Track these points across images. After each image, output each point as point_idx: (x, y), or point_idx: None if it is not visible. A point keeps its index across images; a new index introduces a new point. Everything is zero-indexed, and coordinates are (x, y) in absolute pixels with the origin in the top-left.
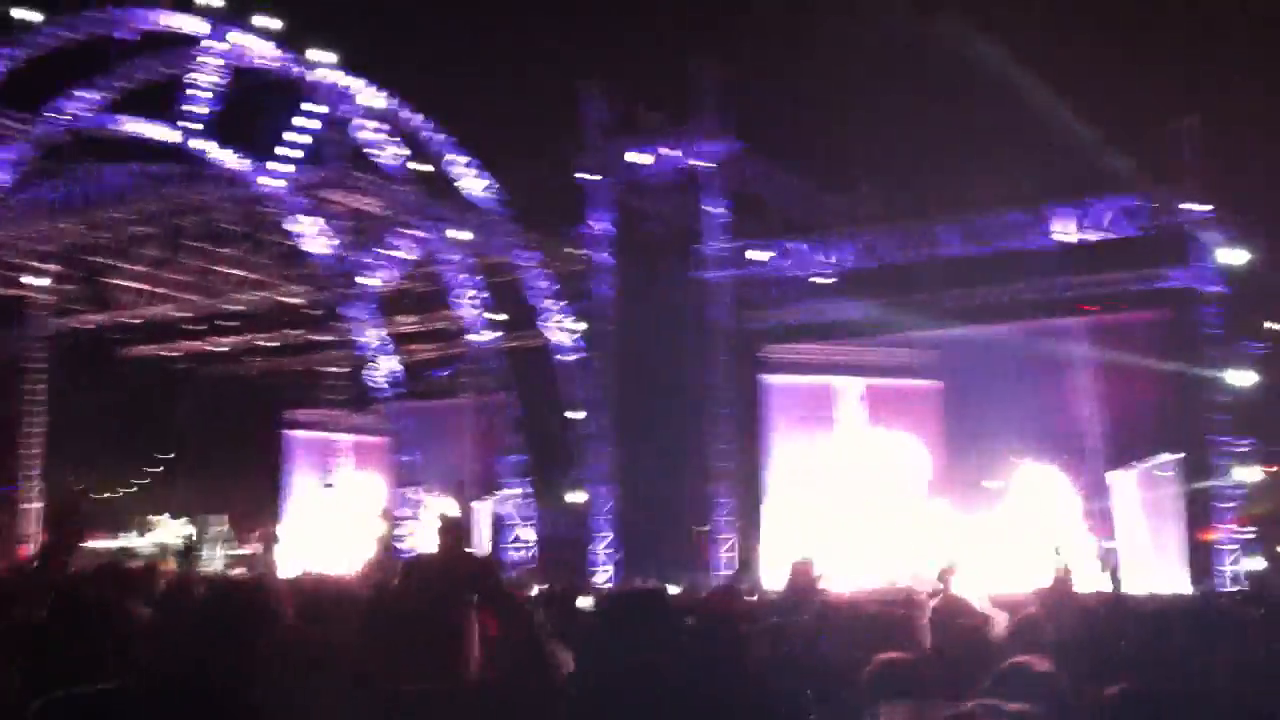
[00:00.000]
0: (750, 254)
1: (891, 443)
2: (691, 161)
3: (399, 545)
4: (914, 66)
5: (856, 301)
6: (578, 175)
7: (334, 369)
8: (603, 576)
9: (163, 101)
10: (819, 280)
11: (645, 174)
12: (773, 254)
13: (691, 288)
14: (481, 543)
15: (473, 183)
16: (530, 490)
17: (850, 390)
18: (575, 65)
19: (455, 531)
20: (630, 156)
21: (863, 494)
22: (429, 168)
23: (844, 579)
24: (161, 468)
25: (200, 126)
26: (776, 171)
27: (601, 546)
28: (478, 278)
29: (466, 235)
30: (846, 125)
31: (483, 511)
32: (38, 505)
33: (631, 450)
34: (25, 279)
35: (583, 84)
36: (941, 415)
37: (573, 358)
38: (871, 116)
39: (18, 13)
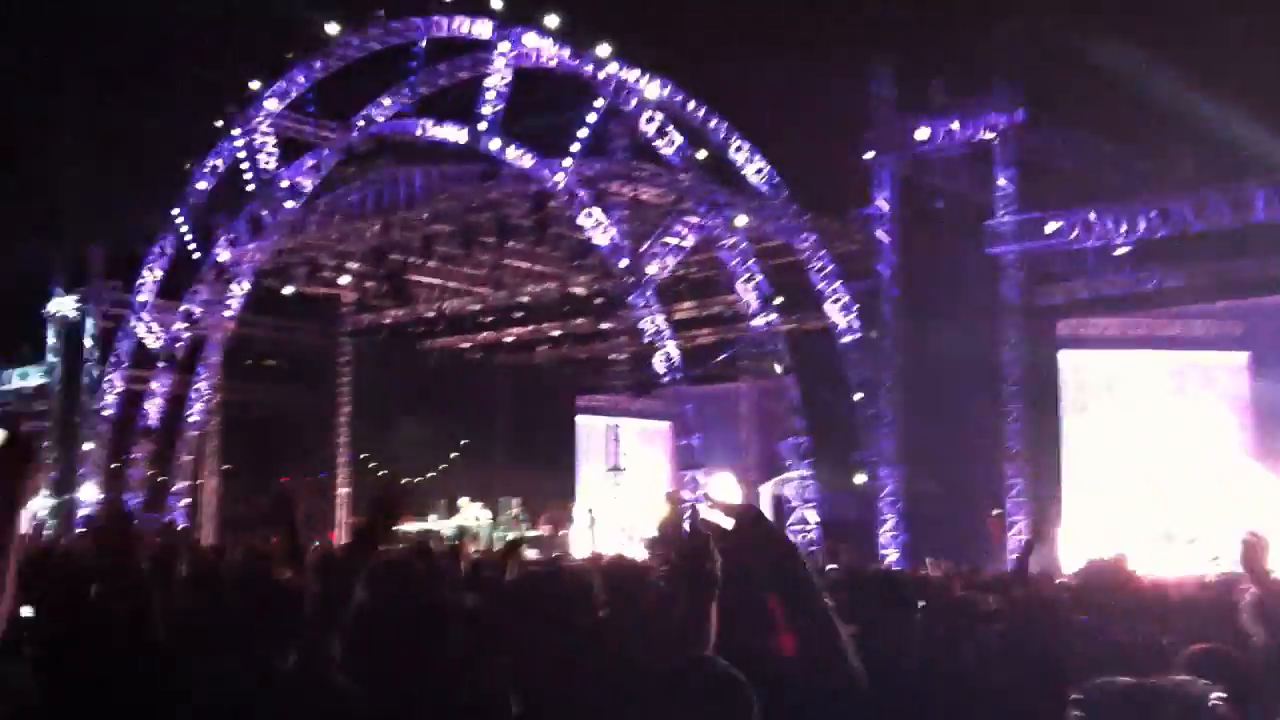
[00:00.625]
0: (1043, 226)
1: (1197, 417)
2: (981, 133)
3: (684, 528)
4: (1219, 18)
5: (1157, 271)
6: (863, 153)
7: (619, 355)
8: (889, 559)
9: (456, 104)
10: (1117, 251)
11: (932, 149)
12: (1066, 225)
13: (980, 263)
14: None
15: (752, 167)
16: (813, 473)
17: (1150, 364)
18: (859, 41)
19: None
20: (917, 132)
21: (1168, 471)
22: (709, 154)
23: (1153, 561)
24: (460, 453)
25: (487, 126)
26: (1072, 139)
27: (887, 529)
28: (758, 262)
29: (746, 219)
30: (1148, 85)
31: (765, 494)
32: (346, 491)
33: (918, 431)
34: (334, 278)
35: (868, 60)
36: (1250, 388)
37: (856, 338)
38: (1175, 74)
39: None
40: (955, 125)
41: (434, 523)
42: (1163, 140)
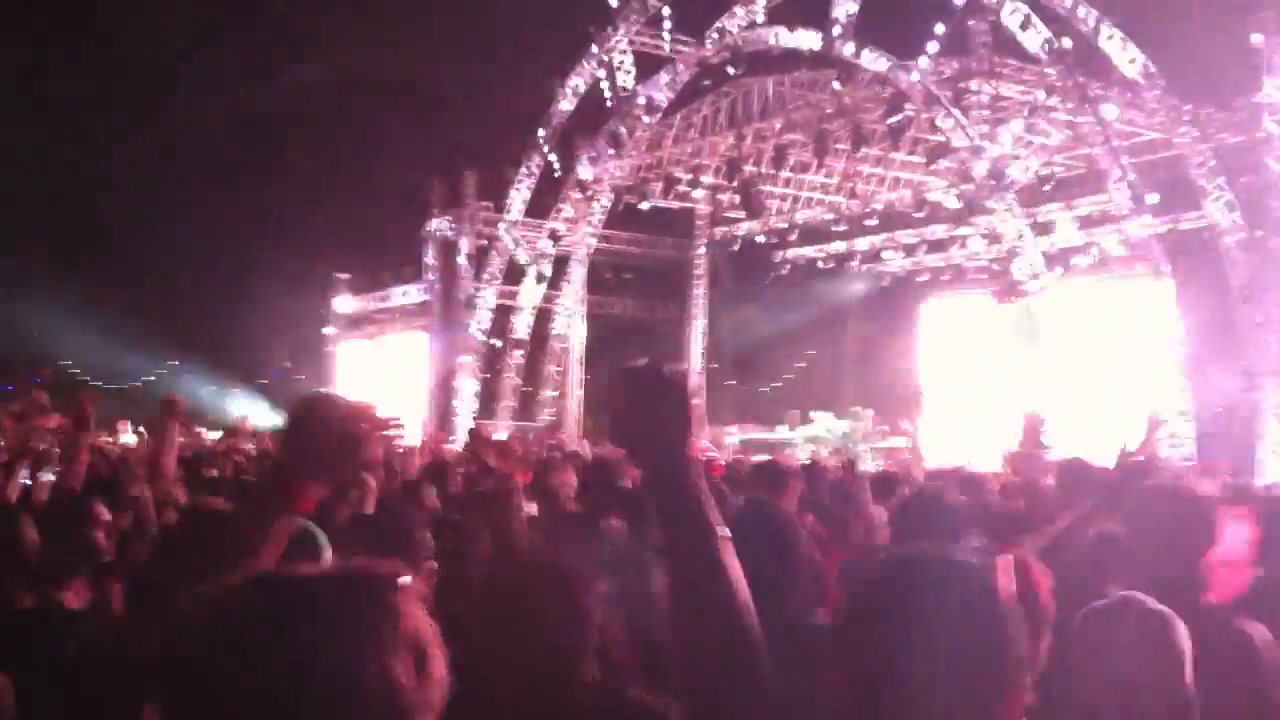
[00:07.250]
0: None
1: None
2: None
3: (1046, 442)
4: None
5: None
6: (1250, 36)
7: (975, 262)
8: (1273, 473)
9: (808, 10)
10: None
11: None
12: None
13: None
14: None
15: (1125, 55)
16: (1190, 383)
17: None
18: None
19: None
20: None
21: None
22: (1077, 44)
23: None
24: (808, 364)
25: (840, 30)
26: None
27: (1272, 445)
28: (1131, 158)
29: (1118, 112)
30: None
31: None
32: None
33: None
34: (689, 191)
35: None
36: None
37: (1241, 238)
38: None
39: None
40: None
41: (784, 434)
42: None
